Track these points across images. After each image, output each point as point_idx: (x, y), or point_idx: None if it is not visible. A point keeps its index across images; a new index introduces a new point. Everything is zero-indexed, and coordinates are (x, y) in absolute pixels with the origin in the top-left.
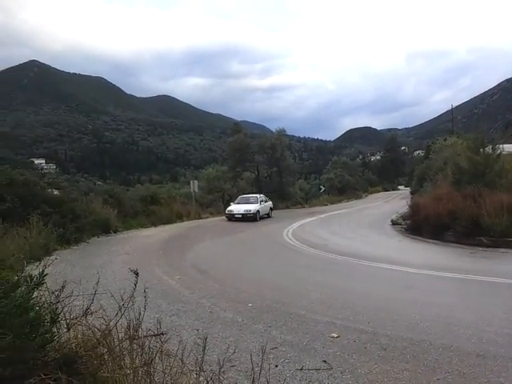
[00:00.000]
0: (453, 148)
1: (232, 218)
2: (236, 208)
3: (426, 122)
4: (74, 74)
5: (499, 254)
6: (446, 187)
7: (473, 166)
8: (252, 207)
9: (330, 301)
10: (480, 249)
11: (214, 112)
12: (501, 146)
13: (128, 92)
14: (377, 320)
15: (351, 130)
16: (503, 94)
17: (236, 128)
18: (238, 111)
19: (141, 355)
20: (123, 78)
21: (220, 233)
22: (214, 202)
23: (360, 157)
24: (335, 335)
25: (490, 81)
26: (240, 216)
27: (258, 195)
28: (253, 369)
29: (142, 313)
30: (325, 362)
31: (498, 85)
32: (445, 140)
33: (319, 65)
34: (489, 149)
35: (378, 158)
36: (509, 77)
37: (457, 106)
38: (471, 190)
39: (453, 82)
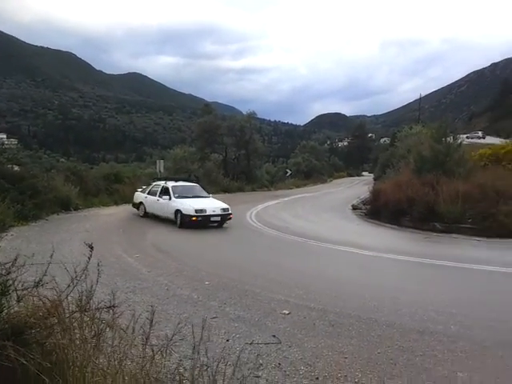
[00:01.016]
0: (417, 136)
1: (205, 222)
2: (207, 206)
3: (395, 109)
4: (42, 47)
5: (451, 239)
6: (407, 174)
7: (434, 155)
8: (223, 204)
9: (285, 280)
10: (434, 234)
11: (186, 92)
12: (462, 136)
13: (97, 68)
14: (328, 299)
15: (321, 115)
16: (470, 85)
17: (206, 109)
18: (209, 92)
19: (91, 327)
20: (93, 54)
21: None
22: None
23: (328, 142)
24: (286, 312)
25: (458, 72)
26: (218, 219)
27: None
28: (194, 339)
29: (94, 286)
30: (274, 336)
31: (466, 76)
32: (410, 128)
33: (293, 48)
34: (450, 138)
35: (346, 143)
36: (476, 69)
37: (425, 96)
38: (430, 178)
39: (423, 71)
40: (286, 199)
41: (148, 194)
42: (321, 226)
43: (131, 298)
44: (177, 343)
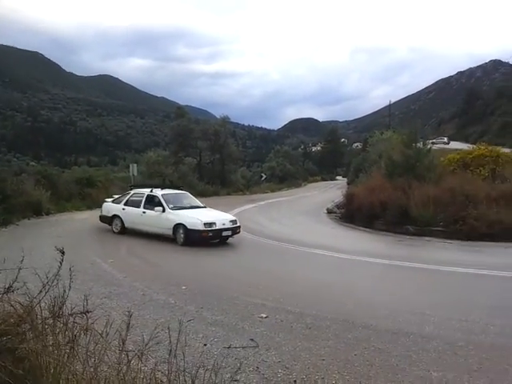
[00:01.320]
0: (388, 142)
1: (216, 238)
2: (214, 218)
3: (366, 115)
4: (7, 46)
5: (424, 241)
6: (379, 179)
7: (405, 160)
8: (229, 215)
9: (262, 284)
10: (407, 237)
11: (158, 95)
12: (432, 140)
13: (67, 69)
14: (305, 302)
15: (294, 120)
16: (438, 92)
17: (179, 112)
18: (182, 95)
19: (64, 332)
20: (62, 55)
21: None
22: None
23: (302, 147)
24: (264, 315)
25: (425, 80)
26: (229, 233)
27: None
28: (170, 343)
29: (68, 291)
30: (252, 340)
31: (434, 84)
32: (381, 134)
33: (265, 54)
34: (420, 144)
35: (319, 148)
36: (443, 77)
37: (395, 102)
38: (402, 182)
39: (392, 78)
40: (261, 203)
41: (125, 204)
42: (296, 229)
43: (107, 304)
44: (153, 348)
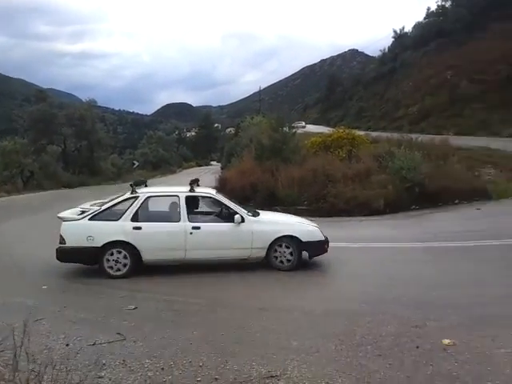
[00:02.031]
0: (258, 126)
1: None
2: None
3: (238, 100)
4: None
5: None
6: (249, 162)
7: (272, 143)
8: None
9: (130, 274)
10: None
11: (15, 76)
12: (292, 125)
13: None
14: (176, 288)
15: (168, 104)
16: (304, 79)
17: (40, 95)
18: (44, 77)
19: None
20: None
21: (25, 212)
22: (12, 178)
23: (176, 132)
24: (132, 307)
25: (293, 67)
26: None
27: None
28: (15, 346)
29: None
30: (119, 333)
31: (300, 71)
32: (252, 119)
33: (135, 34)
34: (286, 128)
35: (193, 134)
36: (308, 64)
37: (265, 88)
38: (270, 165)
39: (262, 64)
40: None
41: (135, 219)
42: None
43: None
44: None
